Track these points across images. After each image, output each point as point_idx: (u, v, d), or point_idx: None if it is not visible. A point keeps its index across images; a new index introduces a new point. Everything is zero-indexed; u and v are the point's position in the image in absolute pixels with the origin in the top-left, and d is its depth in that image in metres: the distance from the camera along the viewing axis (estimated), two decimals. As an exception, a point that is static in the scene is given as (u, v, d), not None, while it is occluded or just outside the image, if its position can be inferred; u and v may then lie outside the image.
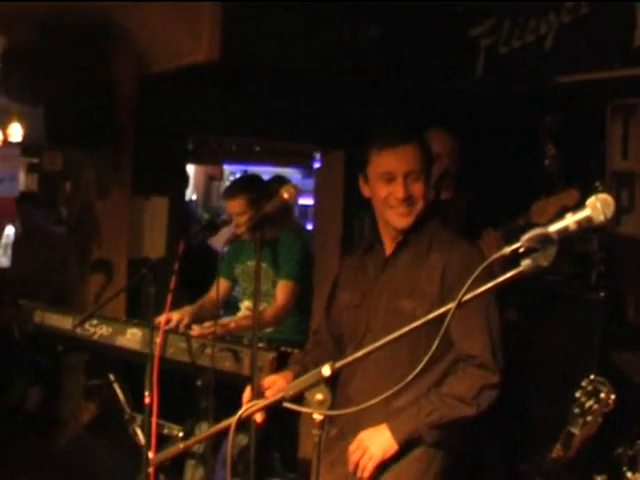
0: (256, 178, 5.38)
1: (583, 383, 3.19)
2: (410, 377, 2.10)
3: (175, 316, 4.55)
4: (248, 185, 5.06)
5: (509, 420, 4.98)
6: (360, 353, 2.11)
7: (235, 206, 4.92)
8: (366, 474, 3.00)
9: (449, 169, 4.87)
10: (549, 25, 5.67)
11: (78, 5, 5.61)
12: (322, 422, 2.12)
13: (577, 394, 3.20)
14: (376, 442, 3.00)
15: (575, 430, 3.20)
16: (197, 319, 4.69)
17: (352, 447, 3.04)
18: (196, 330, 4.48)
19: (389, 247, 3.23)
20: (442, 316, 2.01)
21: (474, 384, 2.99)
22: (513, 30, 5.93)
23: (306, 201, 10.85)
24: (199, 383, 4.26)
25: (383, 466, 3.02)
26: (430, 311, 2.90)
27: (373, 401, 2.16)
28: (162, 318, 4.45)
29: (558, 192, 4.87)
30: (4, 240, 10.61)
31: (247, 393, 3.36)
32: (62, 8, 5.64)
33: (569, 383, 3.33)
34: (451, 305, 1.97)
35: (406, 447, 3.02)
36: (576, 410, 3.20)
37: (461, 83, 6.32)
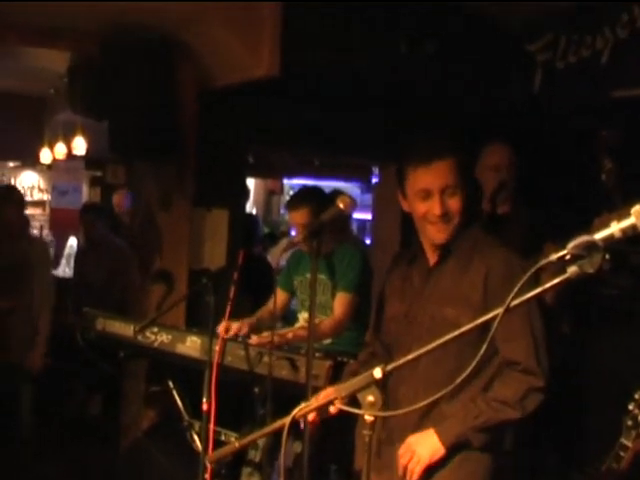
0: (318, 190, 5.38)
1: (636, 395, 3.19)
2: (458, 381, 2.12)
3: (234, 325, 4.59)
4: (311, 196, 5.06)
5: (566, 430, 4.98)
6: (410, 356, 2.15)
7: (298, 217, 4.93)
8: (415, 477, 3.04)
9: (506, 181, 4.92)
10: (605, 40, 5.67)
11: (142, 21, 5.74)
12: (373, 423, 2.17)
13: (630, 406, 3.20)
14: (424, 446, 3.04)
15: (628, 442, 3.20)
16: (256, 330, 4.74)
17: (400, 451, 3.08)
18: (254, 339, 4.52)
19: (432, 258, 3.25)
20: (487, 323, 2.05)
21: (519, 388, 3.01)
22: (569, 45, 5.94)
23: (364, 216, 10.88)
24: (256, 390, 4.29)
25: (431, 470, 3.05)
26: (474, 318, 2.98)
27: (422, 403, 2.22)
28: (221, 327, 4.52)
29: (617, 207, 4.86)
30: (67, 250, 10.79)
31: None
32: (126, 24, 5.76)
33: (623, 395, 3.33)
34: (498, 311, 2.00)
35: (454, 451, 3.05)
36: (629, 422, 3.20)
37: (519, 98, 6.34)
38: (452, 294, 3.13)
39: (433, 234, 3.18)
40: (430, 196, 3.12)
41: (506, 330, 2.90)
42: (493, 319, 2.04)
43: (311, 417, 3.19)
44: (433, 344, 2.12)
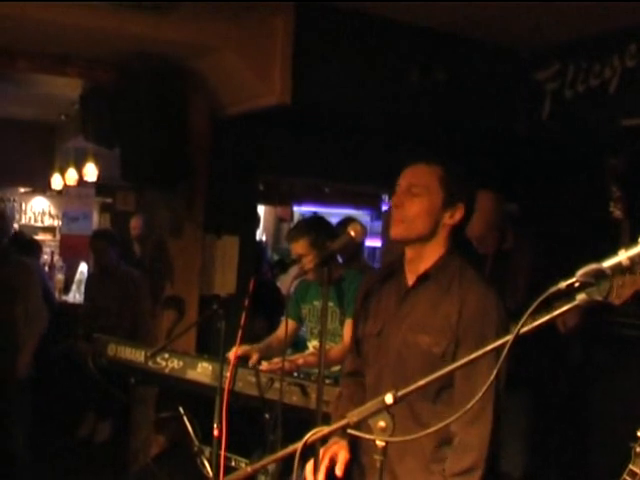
0: (318, 220, 5.42)
1: (644, 422, 3.20)
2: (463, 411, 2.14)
3: (244, 348, 4.61)
4: (309, 227, 5.11)
5: (574, 457, 4.99)
6: (422, 382, 2.16)
7: (298, 248, 4.98)
8: None
9: (488, 227, 4.98)
10: (613, 69, 5.72)
11: (155, 49, 5.80)
12: (384, 448, 2.18)
13: (639, 433, 3.21)
14: None
15: (636, 469, 3.21)
16: (265, 357, 4.75)
17: None
18: (265, 365, 4.54)
19: (410, 279, 3.21)
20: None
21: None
22: (578, 74, 5.99)
23: (374, 243, 10.89)
24: (267, 416, 4.31)
25: None
26: (446, 348, 2.98)
27: (415, 435, 2.25)
28: (232, 353, 4.53)
29: (625, 234, 4.88)
30: (78, 276, 10.82)
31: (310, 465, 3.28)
32: (138, 52, 5.83)
33: (633, 422, 3.33)
34: (508, 338, 2.00)
35: None
36: (638, 449, 3.20)
37: (527, 126, 6.38)
38: (427, 322, 3.09)
39: (391, 229, 3.17)
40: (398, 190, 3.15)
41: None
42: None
43: (343, 456, 3.19)
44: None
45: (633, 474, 3.21)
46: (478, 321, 2.98)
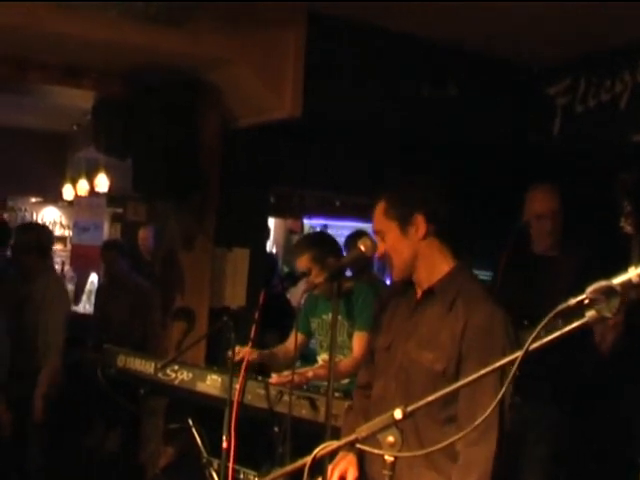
0: (320, 235, 5.47)
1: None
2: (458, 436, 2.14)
3: (244, 350, 4.53)
4: (311, 243, 5.20)
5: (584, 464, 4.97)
6: (431, 398, 2.16)
7: (301, 263, 5.06)
8: None
9: (550, 230, 4.90)
10: (624, 84, 5.72)
11: (167, 62, 5.82)
12: (393, 463, 2.19)
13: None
14: None
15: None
16: (269, 367, 4.76)
17: None
18: (274, 378, 4.54)
19: (418, 293, 3.23)
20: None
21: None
22: (589, 89, 5.99)
23: (384, 256, 10.87)
24: (276, 429, 4.31)
25: None
26: (447, 366, 2.98)
27: (424, 451, 2.24)
28: (241, 351, 4.51)
29: (636, 250, 4.86)
30: (88, 287, 10.84)
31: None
32: (150, 64, 5.85)
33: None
34: (517, 354, 2.00)
35: None
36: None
37: (538, 141, 6.38)
38: (431, 338, 3.09)
39: None
40: None
41: (472, 391, 2.85)
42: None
43: (352, 474, 3.22)
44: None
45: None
46: (483, 338, 2.97)
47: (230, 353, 4.45)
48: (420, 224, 3.16)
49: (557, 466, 4.79)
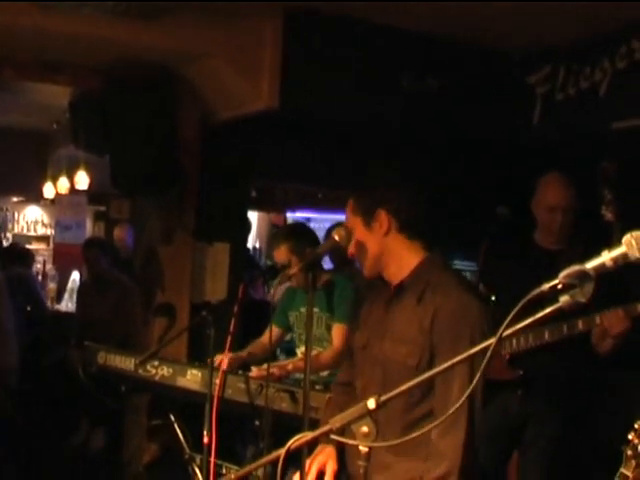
0: (298, 226, 5.44)
1: (636, 425, 3.17)
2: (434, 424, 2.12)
3: (219, 357, 4.53)
4: (289, 234, 5.17)
5: (568, 460, 4.95)
6: (404, 387, 2.14)
7: (279, 255, 5.05)
8: None
9: (563, 223, 4.74)
10: (603, 71, 5.70)
11: (144, 56, 5.79)
12: (368, 454, 2.16)
13: (630, 436, 3.18)
14: None
15: (628, 472, 3.18)
16: (250, 364, 4.74)
17: None
18: (254, 372, 4.55)
19: (391, 288, 3.21)
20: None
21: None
22: (568, 77, 5.98)
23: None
24: (257, 423, 4.30)
25: None
26: (420, 360, 2.96)
27: (398, 440, 2.21)
28: (217, 359, 4.50)
29: (617, 238, 4.83)
30: (70, 285, 10.80)
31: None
32: (128, 59, 5.81)
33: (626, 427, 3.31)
34: (490, 342, 1.98)
35: None
36: (629, 452, 3.17)
37: (518, 130, 6.36)
38: (404, 333, 3.07)
39: None
40: None
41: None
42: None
43: (331, 467, 3.21)
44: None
45: (625, 477, 3.20)
46: (454, 326, 2.94)
47: (209, 360, 4.42)
48: (383, 219, 3.14)
49: (557, 461, 4.76)
